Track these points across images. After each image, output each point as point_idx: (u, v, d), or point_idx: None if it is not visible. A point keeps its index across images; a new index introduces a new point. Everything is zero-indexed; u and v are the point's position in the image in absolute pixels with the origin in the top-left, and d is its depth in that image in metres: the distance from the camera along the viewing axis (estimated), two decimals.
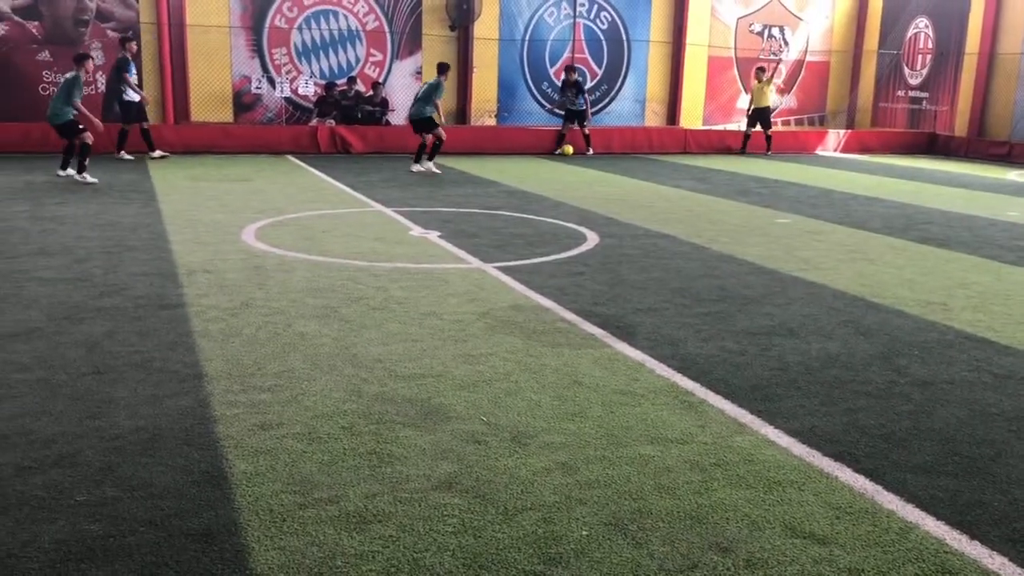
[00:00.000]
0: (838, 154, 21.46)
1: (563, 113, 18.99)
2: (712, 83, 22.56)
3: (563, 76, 19.10)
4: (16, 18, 16.77)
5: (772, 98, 20.51)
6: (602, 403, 4.48)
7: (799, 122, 23.77)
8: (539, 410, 4.36)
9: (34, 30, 16.93)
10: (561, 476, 3.64)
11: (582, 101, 18.50)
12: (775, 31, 23.00)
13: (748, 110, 20.20)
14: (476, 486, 3.53)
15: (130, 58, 15.25)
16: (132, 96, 15.09)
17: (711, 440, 4.05)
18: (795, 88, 23.53)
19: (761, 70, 20.04)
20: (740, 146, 20.02)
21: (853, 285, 7.26)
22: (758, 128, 19.96)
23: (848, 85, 24.07)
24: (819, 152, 21.66)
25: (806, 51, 23.38)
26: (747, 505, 3.44)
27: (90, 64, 13.00)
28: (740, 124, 22.72)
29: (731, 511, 3.40)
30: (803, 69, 23.48)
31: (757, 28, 22.81)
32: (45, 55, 17.04)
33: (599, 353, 5.29)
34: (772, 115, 20.08)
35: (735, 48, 22.62)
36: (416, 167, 14.71)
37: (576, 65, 19.91)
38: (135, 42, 15.88)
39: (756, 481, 3.65)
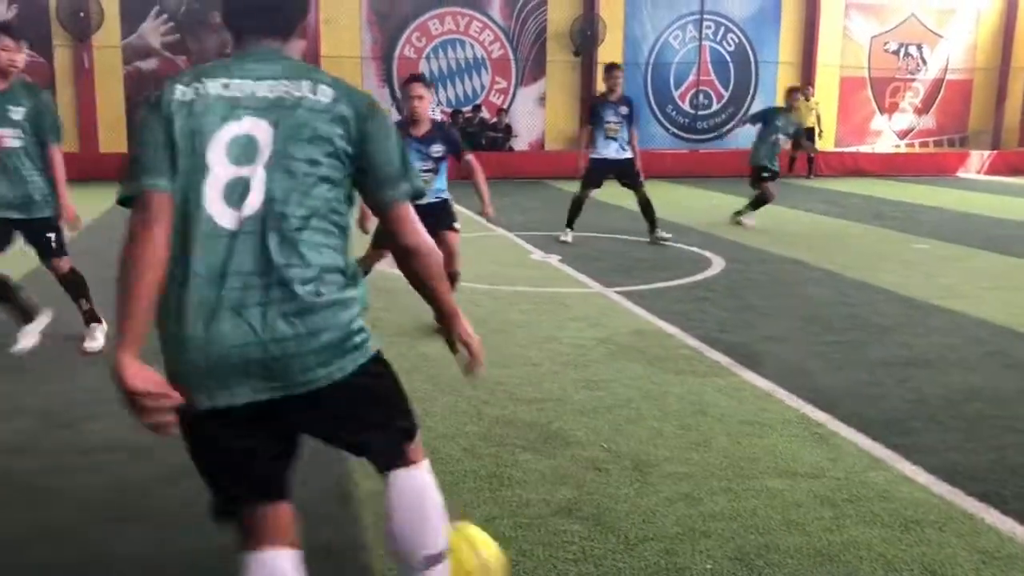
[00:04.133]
0: (982, 176, 20.40)
1: None
2: (845, 104, 21.87)
3: None
4: (166, 54, 17.85)
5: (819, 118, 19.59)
6: (727, 433, 4.36)
7: (938, 143, 22.73)
8: (661, 438, 4.28)
9: (181, 64, 17.98)
10: (684, 507, 3.55)
11: None
12: (912, 49, 22.13)
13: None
14: (597, 513, 3.49)
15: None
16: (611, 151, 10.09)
17: (843, 475, 3.88)
18: (934, 108, 22.54)
19: (798, 88, 19.40)
20: (787, 168, 19.33)
21: (999, 314, 6.85)
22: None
23: (993, 104, 22.88)
24: (960, 175, 20.65)
25: (946, 69, 22.38)
26: (882, 544, 3.27)
27: None
28: (874, 146, 21.94)
29: (864, 550, 3.23)
30: (943, 88, 22.47)
31: (893, 47, 22.00)
32: None
33: (725, 382, 5.16)
34: (816, 135, 19.19)
35: (869, 68, 21.87)
36: None
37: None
38: None
39: (892, 519, 3.47)
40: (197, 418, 2.05)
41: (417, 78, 6.17)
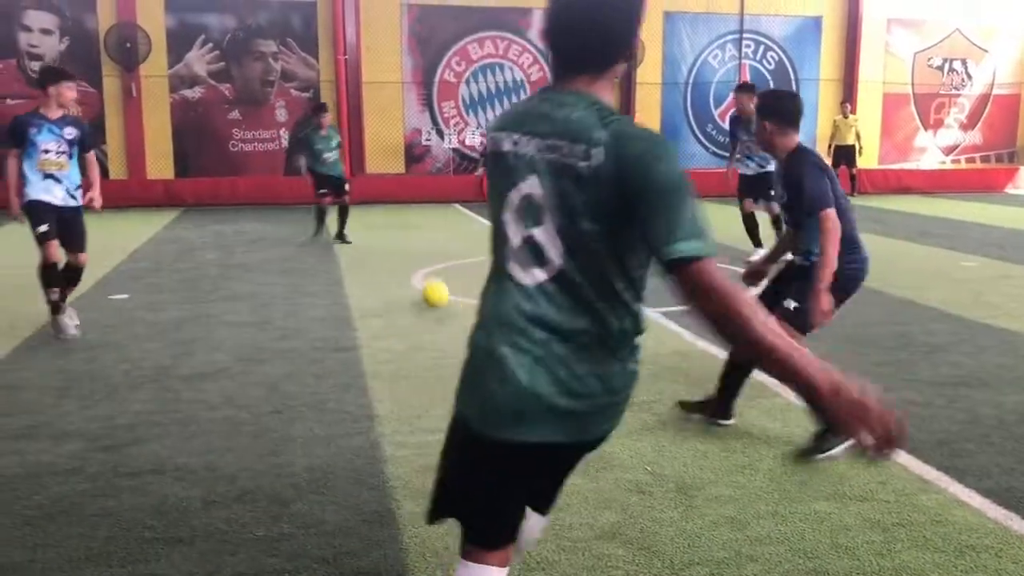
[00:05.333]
0: None
1: None
2: (887, 121, 21.60)
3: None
4: (211, 81, 18.19)
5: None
6: (773, 456, 4.29)
7: (985, 159, 22.33)
8: (706, 461, 4.22)
9: (226, 91, 18.30)
10: (730, 531, 3.50)
11: None
12: (956, 65, 21.81)
13: (829, 147, 19.23)
14: (641, 537, 3.45)
15: None
16: None
17: (893, 498, 3.80)
18: (980, 124, 22.17)
19: (845, 104, 19.21)
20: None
21: None
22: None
23: None
24: (1009, 191, 20.26)
25: (992, 84, 22.02)
26: (935, 570, 3.19)
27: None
28: (919, 163, 21.62)
29: (917, 575, 3.16)
30: (989, 103, 22.11)
31: (937, 62, 21.71)
32: (235, 114, 18.37)
33: (770, 403, 5.09)
34: (856, 153, 18.97)
35: (912, 84, 21.60)
36: None
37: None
38: None
39: (945, 544, 3.38)
40: (467, 435, 2.11)
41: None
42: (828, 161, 19.45)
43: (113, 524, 3.58)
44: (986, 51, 21.84)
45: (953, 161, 22.10)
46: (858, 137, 18.99)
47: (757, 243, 10.59)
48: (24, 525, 3.58)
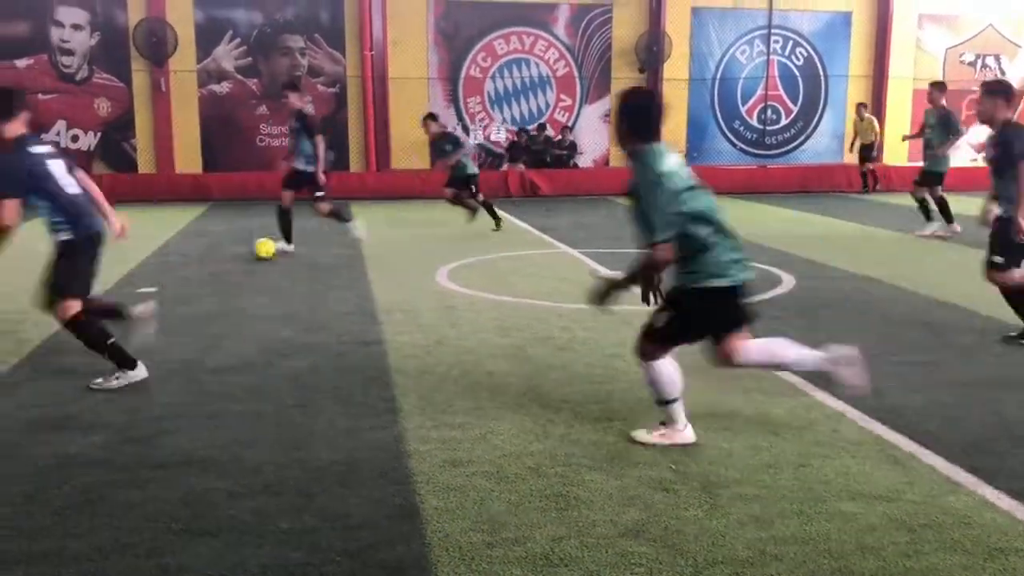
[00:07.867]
0: None
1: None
2: (918, 117, 21.30)
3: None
4: (239, 76, 18.31)
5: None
6: (799, 454, 4.26)
7: None
8: (730, 459, 4.19)
9: (253, 87, 18.42)
10: (755, 530, 3.47)
11: None
12: (989, 60, 21.52)
13: (852, 147, 19.13)
14: (665, 535, 3.44)
15: None
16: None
17: (920, 499, 3.76)
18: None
19: (863, 106, 19.02)
20: (861, 186, 18.94)
21: None
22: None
23: None
24: None
25: None
26: (963, 572, 3.15)
27: None
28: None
29: None
30: (1022, 100, 21.78)
31: (969, 58, 21.43)
32: (263, 109, 18.48)
33: (796, 402, 5.05)
34: (875, 151, 18.95)
35: (944, 80, 21.32)
36: None
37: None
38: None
39: (973, 546, 3.34)
40: None
41: None
42: (855, 160, 19.49)
43: (140, 515, 3.62)
44: (1020, 46, 21.53)
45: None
46: (876, 134, 18.92)
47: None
48: (53, 515, 3.62)
